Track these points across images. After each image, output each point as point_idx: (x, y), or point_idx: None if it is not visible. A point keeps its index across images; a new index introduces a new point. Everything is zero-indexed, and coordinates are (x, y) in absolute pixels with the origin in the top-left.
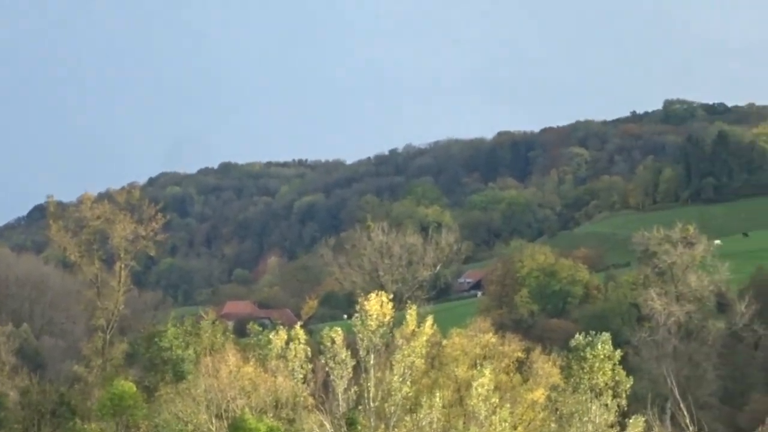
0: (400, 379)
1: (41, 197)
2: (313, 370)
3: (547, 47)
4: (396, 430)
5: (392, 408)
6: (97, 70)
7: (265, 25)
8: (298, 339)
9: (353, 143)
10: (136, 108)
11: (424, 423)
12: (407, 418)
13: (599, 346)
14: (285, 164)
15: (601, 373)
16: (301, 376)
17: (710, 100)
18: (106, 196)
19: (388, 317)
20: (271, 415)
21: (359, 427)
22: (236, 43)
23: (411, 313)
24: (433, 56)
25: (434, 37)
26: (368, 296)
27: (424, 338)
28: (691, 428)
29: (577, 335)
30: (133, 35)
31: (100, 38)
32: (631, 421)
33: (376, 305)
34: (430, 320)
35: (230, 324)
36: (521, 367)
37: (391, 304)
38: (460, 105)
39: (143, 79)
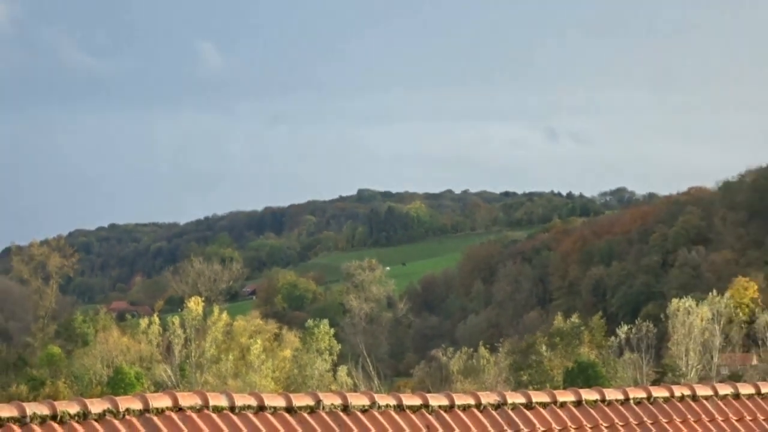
0: (209, 345)
1: (7, 241)
2: (162, 340)
3: None
4: (207, 374)
5: (204, 361)
6: None
7: None
8: (154, 323)
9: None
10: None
11: (223, 369)
12: (213, 367)
13: (321, 326)
14: (145, 225)
15: (323, 342)
16: (155, 343)
17: (384, 189)
18: (45, 243)
19: (201, 310)
20: (137, 365)
21: (186, 372)
22: None
23: (215, 308)
24: None
25: None
26: (191, 299)
27: (222, 322)
28: (373, 373)
29: (309, 320)
30: None
31: None
32: (339, 368)
33: (195, 303)
34: (225, 313)
35: (114, 314)
36: (277, 337)
37: (203, 303)
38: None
39: None
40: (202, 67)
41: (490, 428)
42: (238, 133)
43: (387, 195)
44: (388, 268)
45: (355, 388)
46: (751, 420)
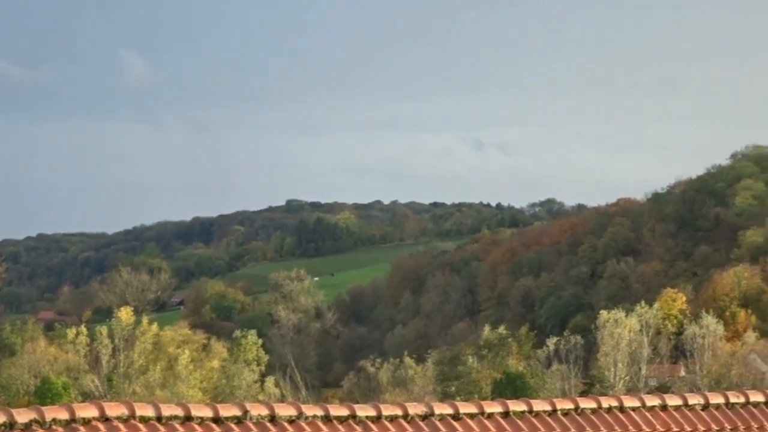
0: (137, 355)
1: None
2: (90, 351)
3: None
4: (134, 384)
5: (132, 371)
6: None
7: None
8: (82, 333)
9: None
10: None
11: (150, 380)
12: (141, 377)
13: (249, 337)
14: (73, 234)
15: (251, 352)
16: (83, 353)
17: (313, 199)
18: None
19: (131, 320)
20: (65, 375)
21: (114, 382)
22: None
23: (144, 318)
24: None
25: None
26: (122, 309)
27: (150, 332)
28: (301, 383)
29: (237, 331)
30: None
31: None
32: (267, 379)
33: (125, 314)
34: (155, 323)
35: (42, 324)
36: (205, 347)
37: (133, 313)
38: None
39: None
40: (128, 77)
41: None
42: (165, 142)
43: (316, 205)
44: (316, 278)
45: (282, 399)
46: (678, 431)
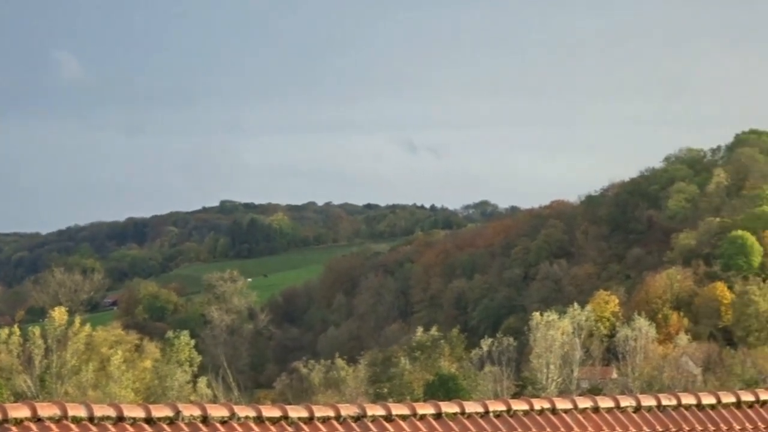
0: (70, 356)
1: None
2: (22, 351)
3: None
4: (67, 384)
5: (65, 372)
6: None
7: None
8: (14, 333)
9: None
10: None
11: (83, 380)
12: (74, 378)
13: (182, 338)
14: (7, 234)
15: (183, 353)
16: (16, 354)
17: (246, 200)
18: None
19: (65, 320)
20: None
21: (47, 382)
22: None
23: (77, 319)
24: None
25: None
26: (56, 309)
27: (83, 333)
28: (233, 384)
29: (170, 332)
30: None
31: None
32: (199, 379)
33: (59, 314)
34: (87, 324)
35: None
36: (138, 348)
37: (66, 314)
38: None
39: None
40: (61, 77)
41: None
42: (99, 143)
43: (249, 206)
44: (249, 279)
45: (214, 400)
46: None
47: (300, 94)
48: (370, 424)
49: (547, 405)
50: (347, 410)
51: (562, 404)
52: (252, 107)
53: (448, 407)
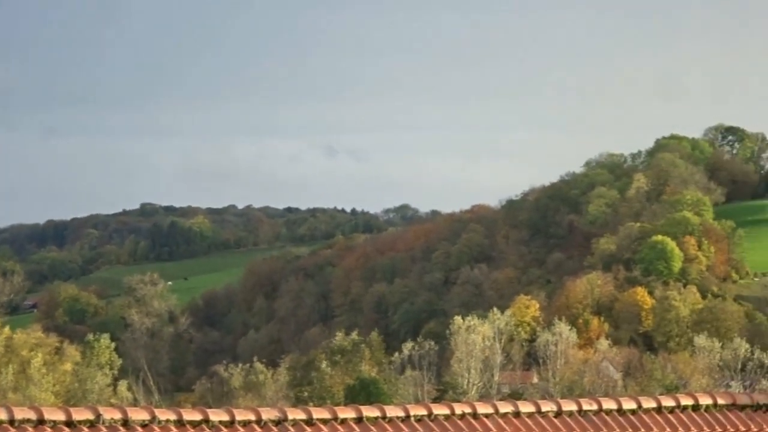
0: None
1: None
2: None
3: None
4: None
5: None
6: None
7: None
8: None
9: None
10: None
11: (3, 383)
12: None
13: (102, 341)
14: None
15: (103, 356)
16: None
17: (167, 203)
18: None
19: None
20: None
21: None
22: None
23: None
24: None
25: None
26: None
27: (3, 335)
28: (153, 387)
29: (90, 335)
30: None
31: None
32: (119, 382)
33: None
34: (7, 326)
35: None
36: (58, 351)
37: None
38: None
39: None
40: None
41: None
42: (16, 144)
43: (170, 209)
44: (170, 282)
45: (135, 403)
46: None
47: (220, 97)
48: (290, 428)
49: (468, 409)
50: (268, 414)
51: (483, 409)
52: (171, 110)
53: (369, 411)
